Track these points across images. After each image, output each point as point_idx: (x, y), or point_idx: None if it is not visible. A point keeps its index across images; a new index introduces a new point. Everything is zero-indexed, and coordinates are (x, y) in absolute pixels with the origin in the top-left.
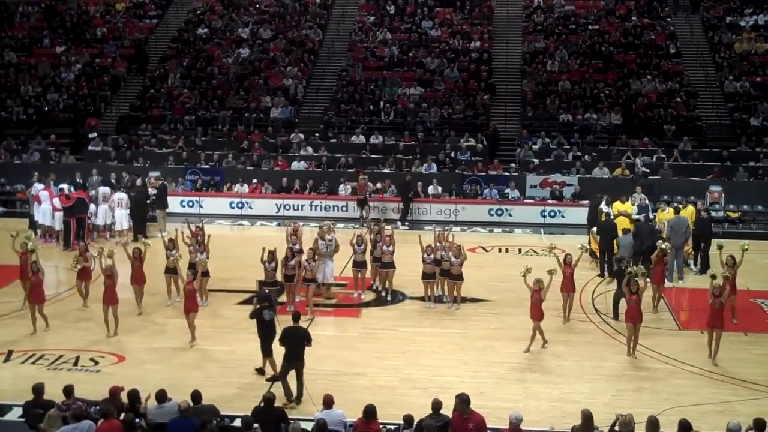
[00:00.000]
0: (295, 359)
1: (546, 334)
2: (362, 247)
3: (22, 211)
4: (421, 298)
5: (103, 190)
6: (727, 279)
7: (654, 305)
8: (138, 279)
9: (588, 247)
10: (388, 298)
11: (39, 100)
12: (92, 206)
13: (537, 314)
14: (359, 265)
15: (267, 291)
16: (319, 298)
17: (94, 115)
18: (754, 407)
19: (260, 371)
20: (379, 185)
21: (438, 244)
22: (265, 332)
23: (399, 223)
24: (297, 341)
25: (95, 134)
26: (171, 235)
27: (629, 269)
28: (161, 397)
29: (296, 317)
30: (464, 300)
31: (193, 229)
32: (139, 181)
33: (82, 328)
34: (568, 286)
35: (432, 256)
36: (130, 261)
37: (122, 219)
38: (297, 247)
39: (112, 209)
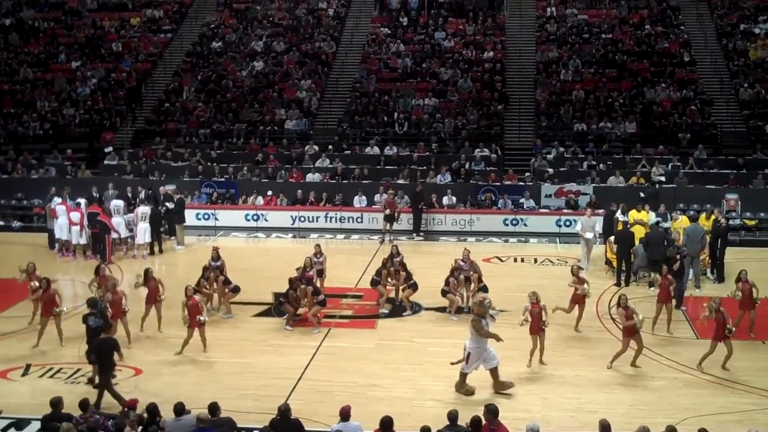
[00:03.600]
0: (109, 369)
1: (562, 343)
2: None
3: (39, 225)
4: (438, 309)
5: (116, 203)
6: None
7: (667, 325)
8: (150, 299)
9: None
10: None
11: (55, 115)
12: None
13: (536, 328)
14: (375, 283)
15: (97, 297)
16: (333, 310)
17: (110, 129)
18: None
19: (92, 381)
20: (397, 198)
21: (462, 263)
22: (91, 339)
23: (414, 235)
24: (107, 351)
25: (111, 148)
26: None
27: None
28: (179, 409)
29: (103, 329)
30: None
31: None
32: (170, 188)
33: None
34: (578, 299)
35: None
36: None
37: (145, 233)
38: (318, 261)
39: (135, 223)
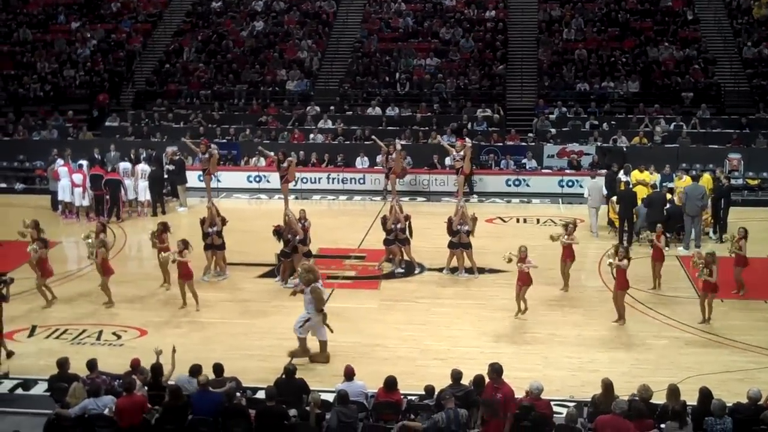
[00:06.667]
0: None
1: (564, 303)
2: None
3: (42, 187)
4: (440, 269)
5: (124, 165)
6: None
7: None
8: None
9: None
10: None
11: (55, 77)
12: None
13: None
14: (389, 242)
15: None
16: (336, 271)
17: (111, 91)
18: None
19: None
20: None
21: (455, 217)
22: None
23: (474, 197)
24: None
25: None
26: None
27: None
28: (194, 371)
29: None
30: (482, 271)
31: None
32: (171, 150)
33: (104, 302)
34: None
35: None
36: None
37: (145, 191)
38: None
39: (136, 181)
